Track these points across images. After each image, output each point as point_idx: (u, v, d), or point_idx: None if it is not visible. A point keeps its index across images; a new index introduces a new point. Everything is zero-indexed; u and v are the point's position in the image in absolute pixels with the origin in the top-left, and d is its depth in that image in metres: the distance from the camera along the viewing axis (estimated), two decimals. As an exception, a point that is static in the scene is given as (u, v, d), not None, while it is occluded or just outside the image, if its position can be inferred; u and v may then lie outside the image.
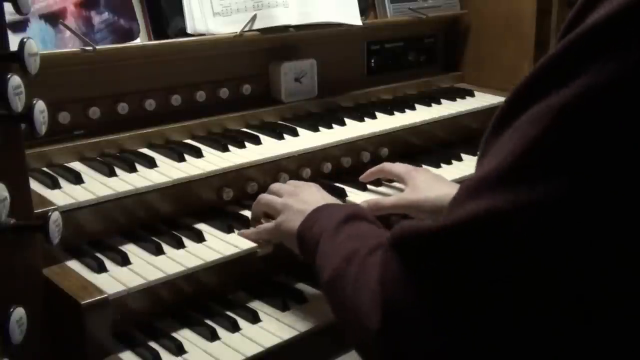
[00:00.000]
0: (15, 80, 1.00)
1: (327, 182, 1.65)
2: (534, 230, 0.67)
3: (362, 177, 1.65)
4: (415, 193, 1.49)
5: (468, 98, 2.12)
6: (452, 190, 1.46)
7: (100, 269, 1.23)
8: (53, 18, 1.51)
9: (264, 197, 1.38)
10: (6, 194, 0.99)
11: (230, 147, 1.58)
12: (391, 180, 1.66)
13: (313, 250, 1.12)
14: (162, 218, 1.43)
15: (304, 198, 1.29)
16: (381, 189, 1.65)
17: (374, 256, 0.86)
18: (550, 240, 0.67)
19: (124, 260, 1.26)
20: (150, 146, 1.59)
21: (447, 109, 2.00)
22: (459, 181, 1.61)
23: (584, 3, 0.69)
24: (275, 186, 1.40)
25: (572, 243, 0.67)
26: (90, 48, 1.48)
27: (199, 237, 1.36)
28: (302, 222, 1.21)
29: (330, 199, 1.31)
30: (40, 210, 1.19)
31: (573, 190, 0.66)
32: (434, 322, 0.73)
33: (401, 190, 1.57)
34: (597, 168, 0.65)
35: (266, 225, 1.34)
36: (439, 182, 1.52)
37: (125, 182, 1.38)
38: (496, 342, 0.71)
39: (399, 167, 1.60)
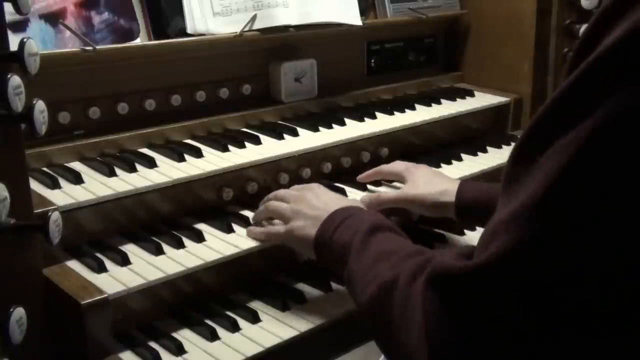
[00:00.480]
0: (15, 80, 1.00)
1: (327, 182, 1.65)
2: (564, 261, 0.68)
3: (359, 178, 1.65)
4: (415, 189, 1.49)
5: (468, 98, 2.12)
6: (452, 185, 1.46)
7: (100, 269, 1.23)
8: (53, 18, 1.51)
9: (272, 204, 1.37)
10: (6, 194, 0.99)
11: (230, 147, 1.58)
12: (391, 180, 1.67)
13: (338, 262, 1.12)
14: (162, 218, 1.43)
15: (312, 203, 1.28)
16: (381, 188, 1.65)
17: (414, 287, 0.86)
18: (579, 270, 0.68)
19: (124, 260, 1.26)
20: (150, 146, 1.59)
21: (447, 109, 2.00)
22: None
23: (598, 22, 0.68)
24: (280, 192, 1.40)
25: (602, 271, 0.67)
26: (90, 48, 1.48)
27: (199, 237, 1.36)
28: (319, 229, 1.21)
29: (337, 199, 1.31)
30: (40, 210, 1.19)
31: (604, 218, 0.66)
32: (477, 357, 0.75)
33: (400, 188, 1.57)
34: (627, 194, 0.65)
35: (277, 229, 1.33)
36: (439, 177, 1.53)
37: (125, 182, 1.38)
38: None
39: (397, 166, 1.61)
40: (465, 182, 1.49)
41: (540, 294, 0.70)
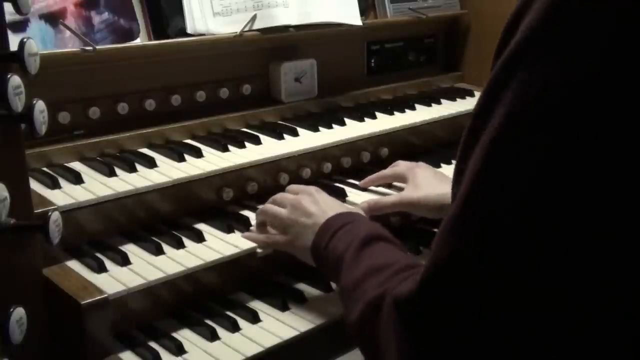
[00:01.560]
0: (15, 80, 1.00)
1: (327, 182, 1.65)
2: (489, 266, 0.69)
3: (362, 184, 1.64)
4: (416, 191, 1.48)
5: (468, 98, 2.12)
6: None
7: (100, 269, 1.23)
8: (53, 18, 1.51)
9: (271, 209, 1.36)
10: (6, 194, 0.99)
11: (230, 147, 1.58)
12: (390, 184, 1.66)
13: (334, 272, 1.13)
14: (162, 218, 1.43)
15: (309, 209, 1.27)
16: (381, 189, 1.65)
17: (392, 309, 0.86)
18: (505, 274, 0.69)
19: (124, 260, 1.26)
20: (150, 146, 1.59)
21: (447, 109, 2.00)
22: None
23: (506, 27, 0.73)
24: (278, 197, 1.39)
25: (526, 267, 0.68)
26: (90, 48, 1.48)
27: (199, 237, 1.36)
28: (314, 238, 1.21)
29: (334, 204, 1.30)
30: (40, 210, 1.19)
31: (514, 219, 0.67)
32: None
33: (402, 189, 1.57)
34: (540, 182, 0.66)
35: (276, 239, 1.33)
36: (440, 179, 1.52)
37: (125, 182, 1.38)
38: None
39: (398, 168, 1.60)
40: None
41: (471, 303, 0.71)
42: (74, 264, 1.26)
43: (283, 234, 1.31)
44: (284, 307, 1.32)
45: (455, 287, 0.71)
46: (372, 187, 1.64)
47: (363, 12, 1.98)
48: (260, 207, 1.41)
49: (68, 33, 1.51)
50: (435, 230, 1.60)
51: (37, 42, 1.05)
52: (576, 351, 0.70)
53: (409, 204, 1.48)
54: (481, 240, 0.69)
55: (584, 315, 0.69)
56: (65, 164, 1.46)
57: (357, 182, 1.66)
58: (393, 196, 1.52)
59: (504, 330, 0.70)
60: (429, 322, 0.75)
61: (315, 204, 1.28)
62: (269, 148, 1.61)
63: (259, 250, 1.35)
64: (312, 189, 1.36)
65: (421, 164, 1.61)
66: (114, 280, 1.20)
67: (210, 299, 1.35)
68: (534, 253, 0.67)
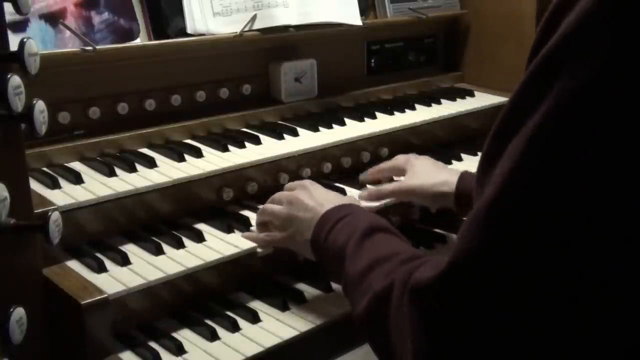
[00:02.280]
0: (15, 80, 1.00)
1: (327, 182, 1.65)
2: (518, 261, 0.68)
3: (362, 179, 1.64)
4: (415, 179, 1.49)
5: (468, 98, 2.12)
6: (452, 176, 1.45)
7: (100, 269, 1.23)
8: (53, 18, 1.51)
9: (269, 208, 1.36)
10: (6, 194, 0.99)
11: (230, 147, 1.58)
12: (391, 179, 1.66)
13: (335, 265, 1.12)
14: (162, 218, 1.43)
15: (305, 203, 1.27)
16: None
17: (405, 299, 0.85)
18: (535, 269, 0.68)
19: (124, 260, 1.26)
20: (150, 146, 1.59)
21: (447, 109, 2.00)
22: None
23: (546, 23, 0.70)
24: (275, 196, 1.39)
25: (560, 267, 0.67)
26: (90, 48, 1.48)
27: (199, 237, 1.36)
28: (312, 231, 1.21)
29: (330, 197, 1.30)
30: (40, 210, 1.19)
31: (556, 210, 0.66)
32: None
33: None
34: (579, 184, 0.65)
35: (276, 235, 1.33)
36: (439, 168, 1.53)
37: (125, 182, 1.38)
38: None
39: (397, 160, 1.60)
40: (466, 172, 1.47)
41: (498, 296, 0.70)
42: (74, 264, 1.26)
43: (283, 230, 1.31)
44: (284, 307, 1.32)
45: (483, 277, 0.70)
46: (372, 187, 1.64)
47: (363, 12, 1.98)
48: (260, 207, 1.41)
49: (68, 33, 1.51)
50: (436, 230, 1.61)
51: (37, 42, 1.05)
52: (605, 347, 0.70)
53: (407, 192, 1.49)
54: (516, 232, 0.68)
55: (615, 314, 0.68)
56: (65, 164, 1.46)
57: (357, 183, 1.66)
58: (392, 184, 1.53)
59: (527, 325, 0.70)
60: (450, 310, 0.74)
61: (312, 198, 1.28)
62: (269, 148, 1.61)
63: (259, 250, 1.35)
64: (307, 182, 1.36)
65: (420, 155, 1.61)
66: (114, 280, 1.20)
67: (210, 299, 1.35)
68: (569, 250, 0.66)
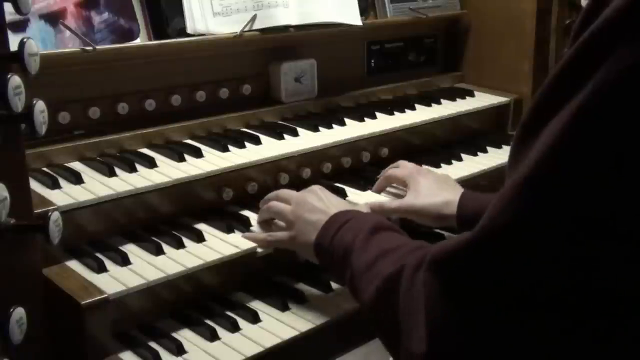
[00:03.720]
0: (15, 80, 1.00)
1: (327, 182, 1.65)
2: (548, 237, 0.68)
3: (374, 189, 1.63)
4: (418, 199, 1.49)
5: (468, 98, 2.12)
6: (454, 196, 1.46)
7: (100, 269, 1.23)
8: (53, 18, 1.51)
9: (275, 205, 1.37)
10: (6, 194, 0.99)
11: (230, 147, 1.58)
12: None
13: (340, 264, 1.13)
14: (162, 218, 1.43)
15: (313, 205, 1.28)
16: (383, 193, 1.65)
17: (417, 277, 0.85)
18: (564, 247, 0.68)
19: (124, 260, 1.26)
20: (150, 146, 1.59)
21: (447, 109, 2.00)
22: (459, 181, 1.61)
23: (594, 1, 0.68)
24: (282, 193, 1.39)
25: (601, 243, 0.67)
26: (90, 48, 1.48)
27: (199, 237, 1.36)
28: (318, 233, 1.21)
29: (338, 202, 1.31)
30: (40, 210, 1.19)
31: (597, 188, 0.66)
32: (475, 339, 0.75)
33: (401, 191, 1.57)
34: (616, 165, 0.65)
35: (279, 235, 1.33)
36: (441, 188, 1.51)
37: (125, 182, 1.38)
38: (540, 351, 0.72)
39: (402, 171, 1.60)
40: (467, 193, 1.48)
41: (525, 270, 0.70)
42: (74, 264, 1.26)
43: (286, 229, 1.31)
44: (284, 307, 1.32)
45: (513, 248, 0.70)
46: (370, 189, 1.64)
47: (363, 12, 1.98)
48: (265, 203, 1.41)
49: (68, 33, 1.51)
50: (436, 230, 1.61)
51: (37, 42, 1.05)
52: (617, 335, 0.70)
53: (410, 212, 1.50)
54: (552, 208, 0.68)
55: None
56: (65, 164, 1.46)
57: (357, 183, 1.66)
58: (395, 202, 1.53)
59: (550, 301, 0.70)
60: (474, 277, 0.74)
61: (320, 201, 1.29)
62: (269, 148, 1.61)
63: (259, 250, 1.35)
64: (316, 187, 1.37)
65: (423, 169, 1.61)
66: (114, 280, 1.20)
67: (210, 299, 1.35)
68: (604, 232, 0.66)
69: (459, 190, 1.50)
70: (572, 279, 0.69)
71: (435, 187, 1.51)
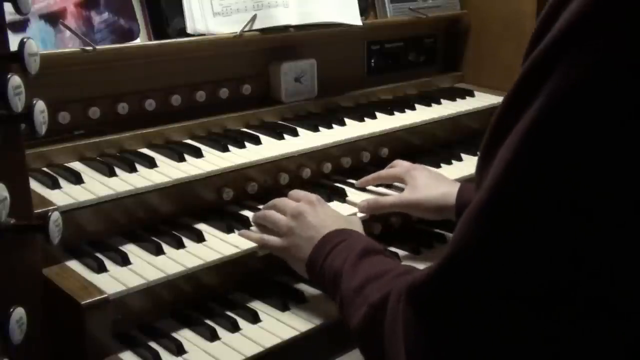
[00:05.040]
0: (15, 80, 1.00)
1: (327, 182, 1.65)
2: (510, 258, 0.69)
3: (358, 183, 1.64)
4: (415, 193, 1.49)
5: (468, 98, 2.12)
6: (452, 188, 1.46)
7: (100, 269, 1.23)
8: (53, 18, 1.50)
9: (271, 215, 1.37)
10: (6, 194, 0.99)
11: (230, 147, 1.58)
12: (389, 185, 1.66)
13: (330, 288, 1.15)
14: (162, 218, 1.43)
15: (308, 220, 1.28)
16: (380, 189, 1.65)
17: (400, 305, 0.85)
18: (524, 266, 0.68)
19: (124, 260, 1.26)
20: (150, 146, 1.59)
21: (447, 109, 2.00)
22: (460, 181, 1.61)
23: (542, 21, 0.69)
24: (280, 203, 1.39)
25: (549, 264, 0.67)
26: (90, 48, 1.48)
27: (199, 237, 1.36)
28: (311, 252, 1.22)
29: (334, 217, 1.31)
30: (40, 210, 1.19)
31: (548, 213, 0.66)
32: None
33: (401, 189, 1.57)
34: (570, 183, 0.65)
35: (272, 241, 1.33)
36: (439, 181, 1.52)
37: (125, 182, 1.38)
38: None
39: (396, 170, 1.60)
40: (465, 184, 1.49)
41: (491, 292, 0.70)
42: (74, 264, 1.26)
43: (280, 237, 1.32)
44: (284, 307, 1.32)
45: (477, 273, 0.71)
46: (371, 188, 1.65)
47: (363, 12, 1.98)
48: (261, 210, 1.41)
49: (68, 33, 1.51)
50: (436, 230, 1.62)
51: (37, 42, 1.05)
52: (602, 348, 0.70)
53: (407, 206, 1.50)
54: (511, 228, 0.68)
55: (607, 311, 0.68)
56: (65, 164, 1.46)
57: (356, 182, 1.66)
58: (392, 197, 1.53)
59: (519, 322, 0.70)
60: (444, 305, 0.74)
61: (316, 217, 1.29)
62: (269, 148, 1.61)
63: (259, 251, 1.35)
64: (314, 197, 1.36)
65: (418, 165, 1.62)
66: (114, 280, 1.20)
67: (210, 299, 1.35)
68: (563, 245, 0.66)
69: (456, 183, 1.50)
70: (536, 302, 0.69)
71: (433, 180, 1.52)
